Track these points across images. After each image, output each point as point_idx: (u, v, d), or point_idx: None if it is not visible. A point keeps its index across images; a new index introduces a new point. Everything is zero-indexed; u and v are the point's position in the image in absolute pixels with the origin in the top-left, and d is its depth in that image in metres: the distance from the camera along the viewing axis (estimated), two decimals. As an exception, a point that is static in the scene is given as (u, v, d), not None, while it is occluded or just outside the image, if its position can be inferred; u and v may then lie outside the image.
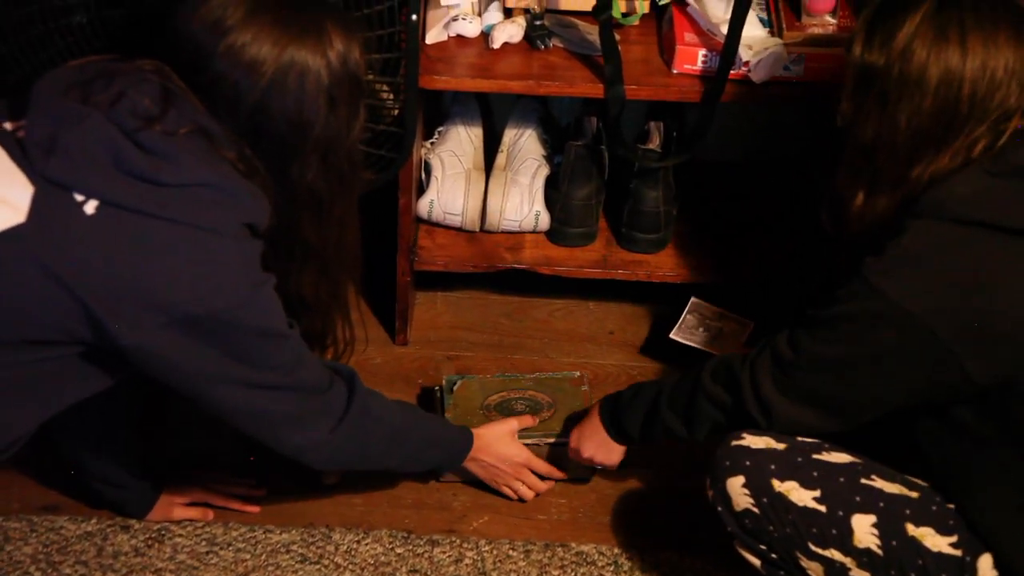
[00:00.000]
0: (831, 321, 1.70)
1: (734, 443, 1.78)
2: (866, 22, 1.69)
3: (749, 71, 2.10)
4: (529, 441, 2.11)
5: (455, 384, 2.18)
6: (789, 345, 1.75)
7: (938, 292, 1.63)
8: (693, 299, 2.31)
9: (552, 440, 2.12)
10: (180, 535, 2.03)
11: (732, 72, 2.07)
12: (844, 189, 1.75)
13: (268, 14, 1.59)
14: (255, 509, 2.09)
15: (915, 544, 1.70)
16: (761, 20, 2.15)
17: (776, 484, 1.75)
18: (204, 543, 2.03)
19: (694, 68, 2.12)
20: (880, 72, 1.66)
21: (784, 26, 2.13)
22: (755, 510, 1.76)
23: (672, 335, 2.28)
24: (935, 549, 1.69)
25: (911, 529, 1.70)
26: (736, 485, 1.77)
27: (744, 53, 2.08)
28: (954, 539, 1.69)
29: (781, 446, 1.77)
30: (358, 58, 1.66)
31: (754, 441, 1.78)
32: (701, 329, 2.29)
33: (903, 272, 1.64)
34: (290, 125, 1.62)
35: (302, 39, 1.60)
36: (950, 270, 1.63)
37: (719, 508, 1.80)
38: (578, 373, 2.23)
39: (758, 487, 1.75)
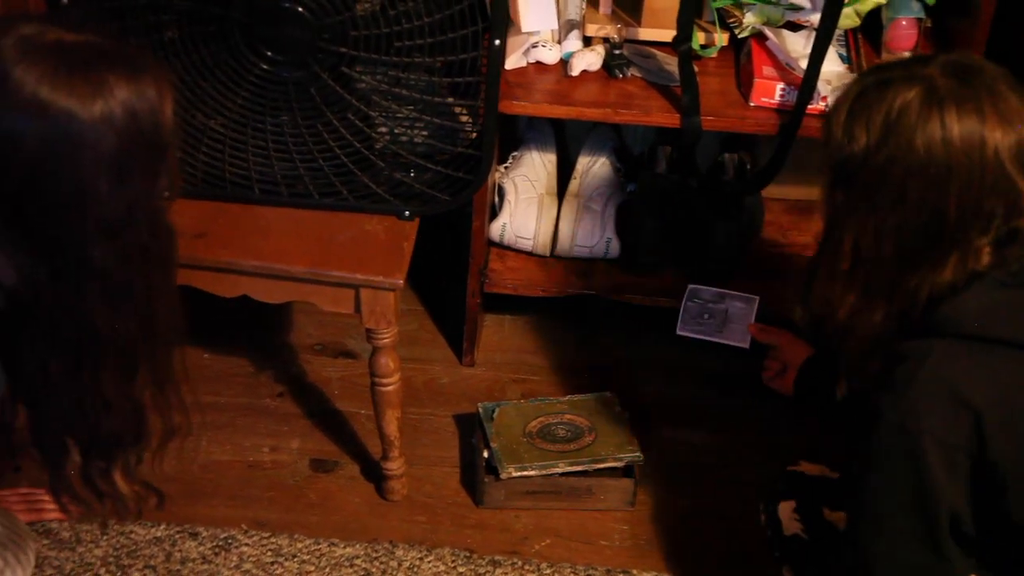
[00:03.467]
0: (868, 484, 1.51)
1: (789, 468, 1.78)
2: (847, 110, 1.49)
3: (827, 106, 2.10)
4: (578, 468, 2.12)
5: (493, 412, 2.19)
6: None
7: (969, 419, 1.44)
8: (690, 286, 2.25)
9: (600, 466, 2.13)
10: (247, 544, 2.06)
11: (810, 106, 2.08)
12: (829, 292, 1.52)
13: (35, 68, 1.30)
14: (63, 516, 2.03)
15: None
16: (840, 56, 2.15)
17: (827, 513, 1.74)
18: (270, 553, 2.05)
19: (771, 101, 2.13)
20: (858, 170, 1.46)
21: (864, 62, 2.14)
22: (804, 536, 1.76)
23: (679, 331, 2.22)
24: None
25: None
26: (787, 510, 1.77)
27: (822, 88, 2.09)
28: None
29: (835, 476, 1.77)
30: (156, 108, 1.35)
31: (809, 468, 1.78)
32: (706, 316, 2.24)
33: (930, 402, 1.45)
34: (62, 206, 1.33)
35: (72, 98, 1.29)
36: (976, 392, 1.44)
37: (769, 532, 1.81)
38: (609, 393, 2.24)
39: (808, 514, 1.75)
